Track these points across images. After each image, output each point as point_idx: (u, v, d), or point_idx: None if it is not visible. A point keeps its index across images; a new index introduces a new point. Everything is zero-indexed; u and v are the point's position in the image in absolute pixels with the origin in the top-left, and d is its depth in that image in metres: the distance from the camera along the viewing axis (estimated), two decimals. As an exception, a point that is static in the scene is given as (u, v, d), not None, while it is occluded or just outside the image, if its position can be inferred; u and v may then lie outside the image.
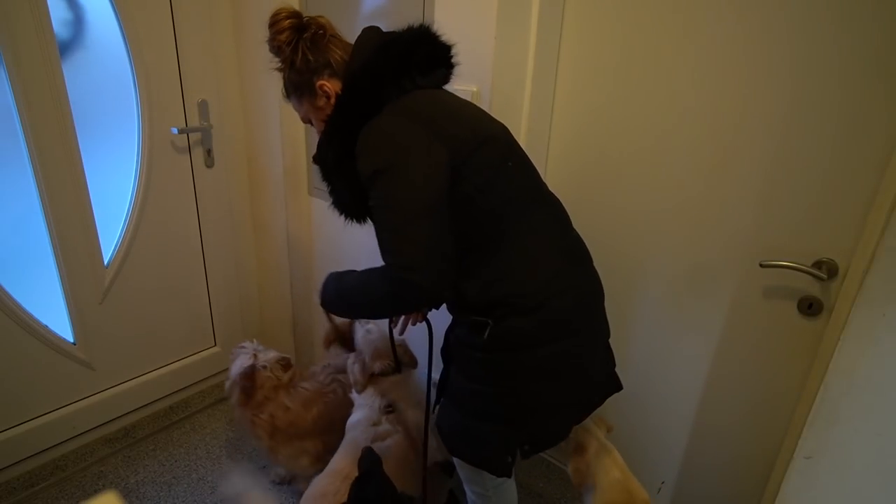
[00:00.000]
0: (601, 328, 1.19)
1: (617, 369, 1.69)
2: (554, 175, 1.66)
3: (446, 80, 1.14)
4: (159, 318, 2.11)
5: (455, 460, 1.28)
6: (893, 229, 0.84)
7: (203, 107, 2.00)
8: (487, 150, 1.04)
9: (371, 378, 1.52)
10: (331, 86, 1.08)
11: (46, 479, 1.85)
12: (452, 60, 1.12)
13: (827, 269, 1.24)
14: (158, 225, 2.00)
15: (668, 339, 1.57)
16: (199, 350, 2.29)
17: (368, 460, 1.22)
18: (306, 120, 1.17)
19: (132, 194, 1.93)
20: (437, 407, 1.27)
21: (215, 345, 2.34)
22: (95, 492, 1.81)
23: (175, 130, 1.93)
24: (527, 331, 1.04)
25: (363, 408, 1.56)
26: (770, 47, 1.22)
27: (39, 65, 1.60)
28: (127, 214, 1.93)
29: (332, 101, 1.07)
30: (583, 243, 1.19)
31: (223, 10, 1.97)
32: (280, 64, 1.11)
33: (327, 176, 1.11)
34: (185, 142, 1.99)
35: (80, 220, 1.80)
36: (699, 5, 1.29)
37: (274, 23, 1.07)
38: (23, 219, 1.72)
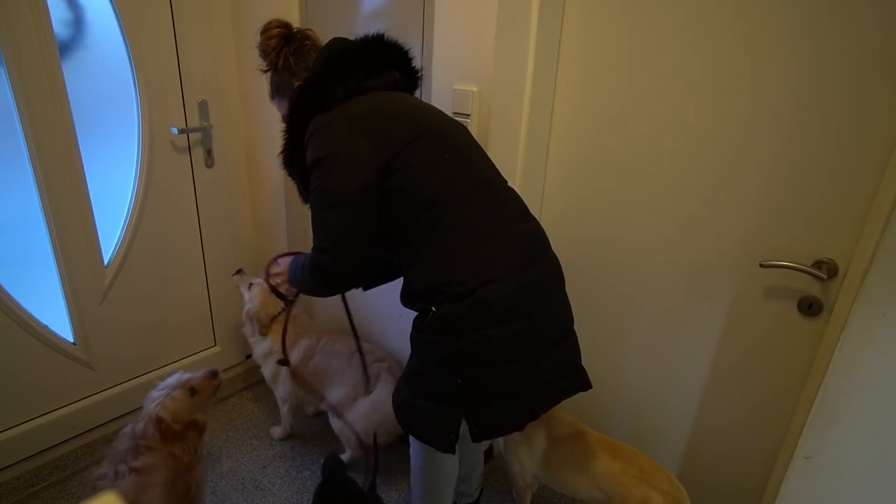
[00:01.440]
0: (556, 318, 1.19)
1: (617, 369, 1.70)
2: (554, 175, 1.67)
3: (408, 84, 1.26)
4: (159, 318, 2.11)
5: None
6: (893, 229, 0.84)
7: (203, 107, 2.00)
8: (421, 144, 1.12)
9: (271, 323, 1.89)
10: (299, 86, 1.19)
11: (46, 479, 1.85)
12: (412, 64, 1.25)
13: (827, 269, 1.24)
14: (158, 225, 2.00)
15: (669, 339, 1.57)
16: (199, 350, 2.29)
17: (332, 464, 1.28)
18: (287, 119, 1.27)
19: (132, 194, 1.93)
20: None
21: (215, 345, 2.34)
22: (95, 492, 1.81)
23: (175, 130, 1.93)
24: (458, 316, 1.07)
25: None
26: (770, 47, 1.22)
27: (39, 65, 1.60)
28: (127, 214, 1.93)
29: None
30: (539, 233, 1.19)
31: (223, 10, 1.97)
32: (266, 66, 1.25)
33: (287, 166, 1.23)
34: (185, 142, 1.99)
35: (80, 220, 1.79)
36: (700, 6, 1.29)
37: (266, 30, 1.23)
38: (23, 219, 1.71)
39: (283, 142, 1.21)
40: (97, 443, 2.01)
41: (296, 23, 1.92)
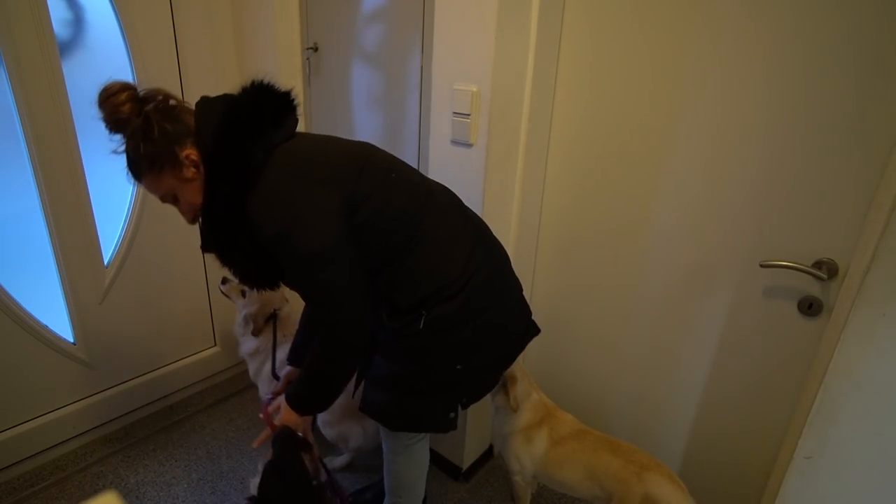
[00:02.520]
0: (512, 287, 1.28)
1: (617, 369, 1.71)
2: (554, 175, 1.66)
3: (296, 122, 1.14)
4: (159, 318, 2.11)
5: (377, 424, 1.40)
6: (893, 229, 0.84)
7: (203, 107, 2.00)
8: (368, 173, 1.09)
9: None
10: (196, 155, 1.03)
11: (46, 479, 1.85)
12: (294, 103, 1.12)
13: (827, 269, 1.24)
14: (158, 225, 2.00)
15: (669, 339, 1.57)
16: (199, 350, 2.30)
17: (284, 442, 1.16)
18: (169, 198, 1.10)
19: (132, 194, 1.93)
20: (359, 391, 1.36)
21: (215, 345, 2.34)
22: (95, 492, 1.81)
23: (175, 130, 1.93)
24: (452, 314, 1.13)
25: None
26: (771, 47, 1.22)
27: (39, 65, 1.60)
28: (127, 214, 1.93)
29: (201, 169, 1.04)
30: (477, 217, 1.27)
31: (223, 10, 1.97)
32: (125, 143, 1.03)
33: (226, 257, 1.11)
34: (185, 142, 1.99)
35: (80, 220, 1.80)
36: (700, 5, 1.29)
37: (107, 97, 0.99)
38: (23, 219, 1.72)
39: (216, 234, 1.08)
40: (97, 443, 2.02)
41: (297, 23, 1.93)
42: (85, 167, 1.76)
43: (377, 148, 1.18)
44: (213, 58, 1.98)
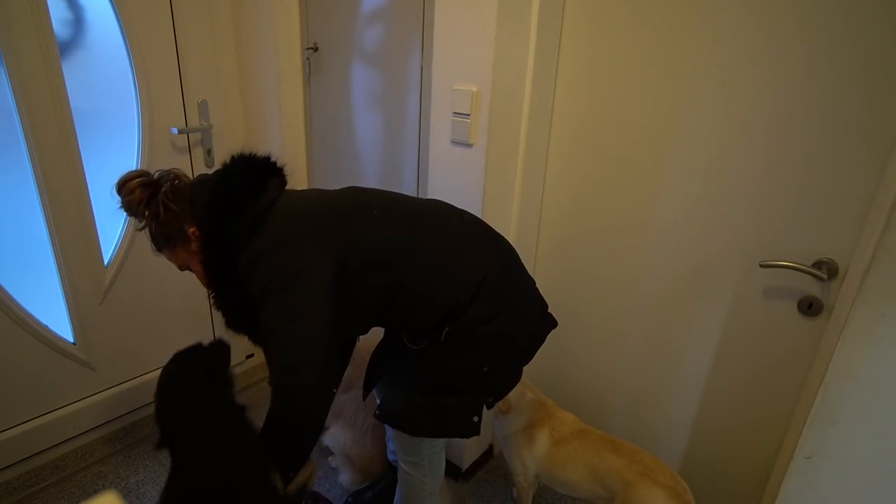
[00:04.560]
0: (525, 282, 1.29)
1: (618, 368, 1.71)
2: (554, 175, 1.67)
3: (284, 181, 1.19)
4: (159, 318, 2.11)
5: (393, 435, 1.38)
6: (893, 229, 0.84)
7: (203, 107, 2.00)
8: (350, 219, 1.12)
9: None
10: (197, 231, 1.12)
11: (46, 479, 1.85)
12: (277, 165, 1.17)
13: (827, 269, 1.24)
14: (158, 225, 2.00)
15: (669, 339, 1.57)
16: (199, 350, 2.29)
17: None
18: (185, 267, 1.21)
19: (132, 194, 1.93)
20: (382, 397, 1.35)
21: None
22: (95, 492, 1.81)
23: (175, 130, 1.93)
24: (472, 319, 1.14)
25: None
26: (771, 47, 1.22)
27: (39, 65, 1.60)
28: (127, 214, 1.93)
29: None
30: (478, 219, 1.28)
31: (223, 10, 1.97)
32: (142, 223, 1.15)
33: (228, 319, 1.16)
34: (185, 142, 1.99)
35: (80, 220, 1.79)
36: (699, 5, 1.29)
37: (122, 185, 1.13)
38: (23, 219, 1.71)
39: (226, 298, 1.14)
40: (97, 443, 2.02)
41: (297, 23, 1.93)
42: (85, 167, 1.76)
43: (362, 189, 1.21)
44: (213, 58, 1.98)
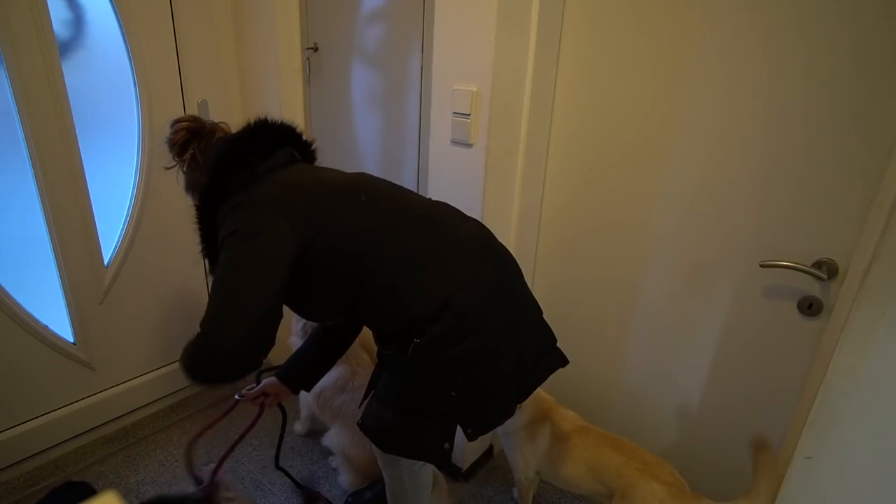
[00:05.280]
0: (524, 306, 1.19)
1: (618, 368, 1.71)
2: (554, 175, 1.66)
3: (305, 157, 1.25)
4: (159, 318, 2.11)
5: (376, 450, 1.33)
6: (893, 229, 0.84)
7: (203, 107, 2.00)
8: (332, 200, 1.11)
9: None
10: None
11: (46, 479, 1.85)
12: (304, 137, 1.24)
13: (827, 269, 1.24)
14: (158, 225, 2.00)
15: (669, 339, 1.57)
16: (199, 350, 2.29)
17: None
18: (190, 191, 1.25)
19: (132, 194, 1.93)
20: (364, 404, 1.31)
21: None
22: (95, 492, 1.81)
23: (175, 130, 1.93)
24: (440, 334, 1.05)
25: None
26: (771, 47, 1.22)
27: (39, 65, 1.60)
28: (127, 214, 1.93)
29: None
30: (482, 229, 1.19)
31: (223, 10, 1.97)
32: (171, 162, 1.22)
33: (206, 256, 1.19)
34: (185, 142, 1.99)
35: (80, 220, 1.79)
36: (699, 5, 1.29)
37: (175, 122, 1.21)
38: (23, 219, 1.72)
39: (199, 237, 1.19)
40: (97, 443, 2.02)
41: (297, 23, 1.93)
42: (85, 167, 1.76)
43: (371, 177, 1.21)
44: (214, 58, 1.98)
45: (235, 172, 1.11)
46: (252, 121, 1.17)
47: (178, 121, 1.20)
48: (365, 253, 1.07)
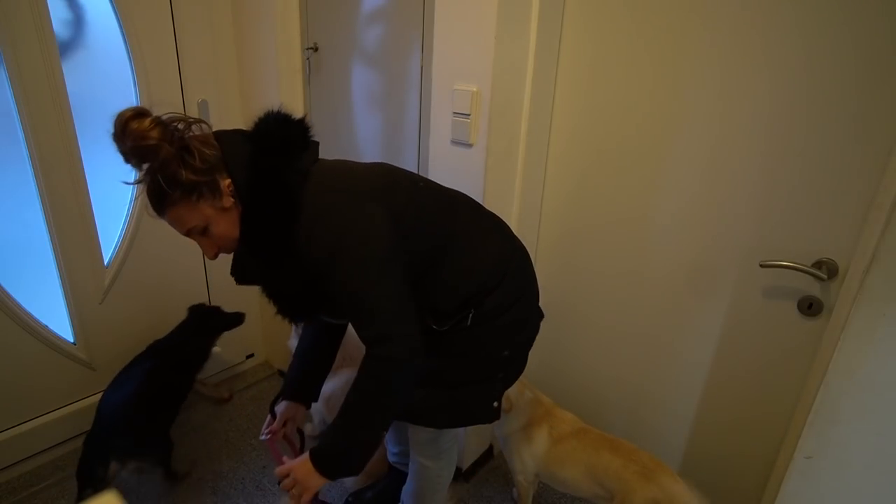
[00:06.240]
0: (533, 271, 1.31)
1: (617, 368, 1.71)
2: (554, 175, 1.67)
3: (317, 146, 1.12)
4: (159, 319, 2.11)
5: (411, 431, 1.36)
6: (893, 229, 0.84)
7: (203, 107, 2.00)
8: (400, 188, 1.09)
9: None
10: (231, 184, 1.00)
11: (46, 479, 1.85)
12: (310, 128, 1.09)
13: (827, 269, 1.24)
14: (158, 225, 1.95)
15: (669, 339, 1.57)
16: (199, 350, 2.29)
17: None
18: (197, 231, 1.02)
19: (132, 194, 1.92)
20: None
21: (215, 345, 2.34)
22: (95, 492, 1.81)
23: (175, 130, 1.93)
24: (496, 304, 1.15)
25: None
26: (770, 47, 1.22)
27: (39, 65, 1.60)
28: (127, 214, 1.93)
29: (237, 199, 1.01)
30: (494, 214, 1.29)
31: (223, 10, 1.97)
32: (149, 172, 0.96)
33: (269, 287, 1.09)
34: (185, 142, 1.99)
35: (80, 220, 1.80)
36: (699, 5, 1.29)
37: (125, 124, 0.93)
38: (23, 219, 1.72)
39: (249, 261, 1.05)
40: (97, 443, 2.02)
41: (297, 23, 1.93)
42: (85, 167, 1.76)
43: (395, 167, 1.19)
44: (214, 58, 1.98)
45: (288, 167, 0.99)
46: (269, 113, 1.05)
47: (126, 119, 0.95)
48: (435, 235, 1.11)
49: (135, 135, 0.93)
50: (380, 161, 1.20)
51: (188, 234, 1.04)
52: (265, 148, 1.00)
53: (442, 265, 1.11)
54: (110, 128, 0.95)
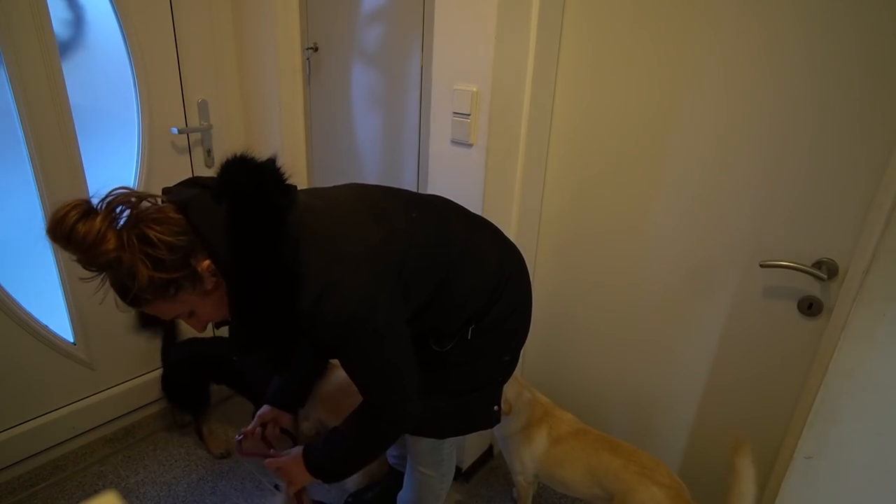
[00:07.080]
0: (526, 269, 1.30)
1: (617, 368, 1.71)
2: (554, 175, 1.66)
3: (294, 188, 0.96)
4: (159, 318, 2.11)
5: (411, 441, 1.36)
6: (893, 229, 0.84)
7: (203, 107, 2.00)
8: (397, 222, 1.01)
9: None
10: (211, 263, 0.85)
11: (46, 479, 1.85)
12: (281, 168, 0.92)
13: (827, 269, 1.24)
14: (158, 225, 1.99)
15: (669, 339, 1.57)
16: (199, 350, 2.29)
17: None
18: (183, 316, 0.92)
19: (132, 194, 1.93)
20: None
21: (215, 345, 2.34)
22: (95, 492, 1.81)
23: (175, 130, 1.93)
24: (498, 313, 1.17)
25: None
26: (770, 47, 1.22)
27: (39, 65, 1.60)
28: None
29: (219, 277, 0.87)
30: (483, 219, 1.28)
31: (223, 10, 1.97)
32: (111, 277, 0.83)
33: (260, 359, 1.04)
34: (185, 142, 1.99)
35: (80, 220, 1.79)
36: (700, 5, 1.29)
37: (69, 233, 0.78)
38: (23, 219, 1.72)
39: (245, 335, 0.91)
40: (97, 443, 2.02)
41: (297, 23, 1.93)
42: (85, 167, 1.76)
43: (386, 189, 1.11)
44: (213, 58, 1.98)
45: (276, 236, 0.85)
46: (230, 160, 0.87)
47: (72, 227, 0.78)
48: (435, 267, 1.08)
49: (85, 246, 0.78)
50: (352, 184, 1.10)
51: (170, 320, 0.98)
52: (244, 213, 0.84)
53: (445, 294, 1.10)
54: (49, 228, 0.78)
